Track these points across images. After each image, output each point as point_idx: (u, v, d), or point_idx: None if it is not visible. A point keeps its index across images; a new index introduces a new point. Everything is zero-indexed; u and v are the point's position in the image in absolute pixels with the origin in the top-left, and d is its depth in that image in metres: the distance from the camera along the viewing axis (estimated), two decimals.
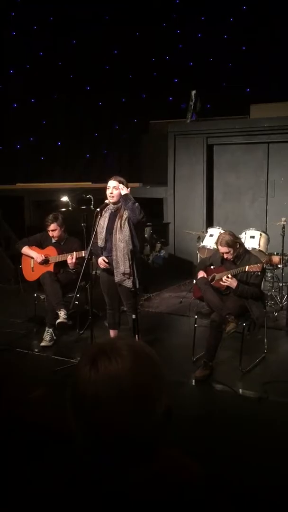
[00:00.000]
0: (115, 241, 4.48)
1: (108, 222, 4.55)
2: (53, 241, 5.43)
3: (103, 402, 0.92)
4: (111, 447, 0.94)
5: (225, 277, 4.43)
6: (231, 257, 4.55)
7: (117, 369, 0.94)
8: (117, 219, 4.50)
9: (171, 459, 1.00)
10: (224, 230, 5.11)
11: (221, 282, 4.48)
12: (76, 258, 5.05)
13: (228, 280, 4.41)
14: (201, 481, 0.99)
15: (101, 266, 4.63)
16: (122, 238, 4.45)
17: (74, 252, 5.05)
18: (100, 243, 4.60)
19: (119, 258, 4.46)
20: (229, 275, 4.42)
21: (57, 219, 5.34)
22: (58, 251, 5.30)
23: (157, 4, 10.57)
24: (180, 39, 10.93)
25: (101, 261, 4.60)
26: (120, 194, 4.49)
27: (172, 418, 0.98)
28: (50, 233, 5.36)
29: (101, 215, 4.53)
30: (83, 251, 5.00)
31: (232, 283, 4.41)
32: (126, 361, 0.95)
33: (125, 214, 4.47)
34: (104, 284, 4.72)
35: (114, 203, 4.52)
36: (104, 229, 4.56)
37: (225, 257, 4.58)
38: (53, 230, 5.32)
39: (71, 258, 5.05)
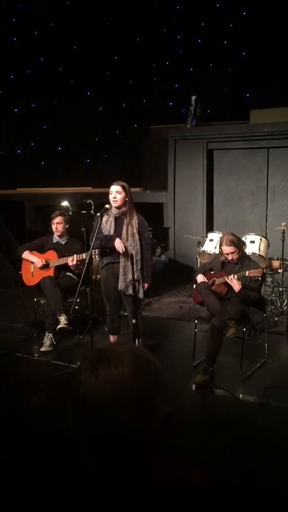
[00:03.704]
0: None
1: (115, 228, 4.51)
2: (54, 240, 5.44)
3: (104, 407, 0.92)
4: (112, 453, 0.94)
5: (231, 276, 4.40)
6: (236, 257, 4.52)
7: (118, 374, 0.94)
8: (125, 225, 4.47)
9: (172, 467, 1.00)
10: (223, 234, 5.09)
11: (226, 279, 4.44)
12: (77, 260, 5.05)
13: (233, 280, 4.38)
14: (202, 489, 0.99)
15: (118, 247, 4.39)
16: (133, 245, 4.43)
17: (75, 255, 5.06)
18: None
19: (128, 266, 4.40)
20: (235, 276, 4.38)
21: (64, 214, 5.48)
22: (58, 254, 5.31)
23: (158, 10, 10.63)
24: (180, 44, 10.98)
25: (119, 242, 4.39)
26: (124, 198, 4.49)
27: (173, 425, 0.97)
28: (54, 226, 5.40)
29: (101, 220, 4.52)
30: (83, 254, 5.00)
31: (236, 284, 4.38)
32: (126, 366, 0.95)
33: (135, 222, 4.47)
34: (107, 289, 4.68)
35: (117, 208, 4.51)
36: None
37: (229, 258, 4.53)
38: (59, 222, 5.40)
39: (71, 260, 5.05)
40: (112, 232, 4.51)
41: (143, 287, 4.55)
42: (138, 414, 0.93)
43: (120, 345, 1.02)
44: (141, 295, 4.53)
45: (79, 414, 0.95)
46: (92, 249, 4.38)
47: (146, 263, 4.58)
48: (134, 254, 4.30)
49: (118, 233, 4.49)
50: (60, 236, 5.45)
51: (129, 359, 0.96)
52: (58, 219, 5.40)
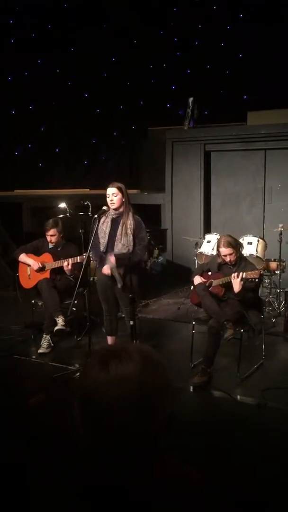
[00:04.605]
0: (118, 248, 4.46)
1: (110, 229, 4.53)
2: (50, 246, 5.43)
3: (111, 403, 0.93)
4: (114, 449, 0.95)
5: (235, 274, 4.37)
6: (234, 259, 4.52)
7: (128, 371, 0.95)
8: (120, 226, 4.48)
9: (171, 466, 1.00)
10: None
11: (232, 278, 4.38)
12: (72, 264, 5.05)
13: (235, 279, 4.32)
14: (201, 489, 0.99)
15: (104, 272, 4.51)
16: (127, 245, 4.44)
17: (70, 259, 5.05)
18: (102, 248, 4.59)
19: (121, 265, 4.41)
20: (239, 276, 4.34)
21: (58, 224, 5.36)
22: (54, 257, 5.30)
23: (155, 12, 10.65)
24: (177, 46, 10.99)
25: (106, 268, 4.49)
26: (121, 199, 4.49)
27: (173, 426, 0.98)
28: (49, 238, 5.36)
29: (99, 222, 4.53)
30: (78, 257, 5.00)
31: (237, 284, 4.34)
32: (137, 364, 0.96)
33: (129, 223, 4.47)
34: (102, 290, 4.70)
35: (115, 209, 4.52)
36: (107, 235, 4.54)
37: (227, 259, 4.52)
38: (52, 235, 5.32)
39: (67, 265, 5.05)
40: (107, 233, 4.51)
41: (110, 259, 4.41)
42: (143, 413, 0.94)
43: (130, 344, 1.03)
44: (119, 283, 4.41)
45: (86, 409, 0.96)
46: (89, 252, 4.39)
47: (133, 253, 4.47)
48: (128, 255, 4.32)
49: (112, 234, 4.50)
50: (55, 245, 5.42)
51: (139, 358, 0.97)
52: (51, 232, 5.30)
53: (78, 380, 1.00)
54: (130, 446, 0.94)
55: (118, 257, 4.39)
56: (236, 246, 4.53)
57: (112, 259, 4.41)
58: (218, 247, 4.61)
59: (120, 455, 0.95)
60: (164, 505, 0.93)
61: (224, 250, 4.48)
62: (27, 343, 5.40)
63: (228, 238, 4.51)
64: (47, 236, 5.36)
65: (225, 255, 4.50)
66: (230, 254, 4.48)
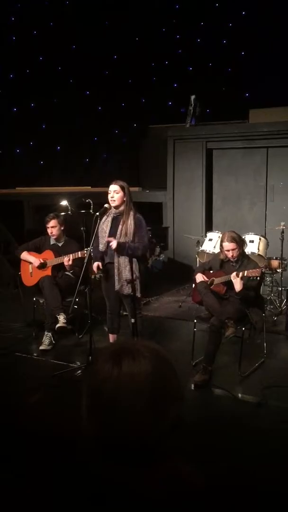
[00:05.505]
0: None
1: (110, 227, 4.51)
2: (51, 242, 5.43)
3: (121, 399, 0.93)
4: (118, 447, 0.94)
5: (234, 274, 4.37)
6: (237, 254, 4.50)
7: (140, 369, 0.95)
8: (120, 225, 4.45)
9: (172, 467, 1.00)
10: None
11: (232, 278, 4.39)
12: (73, 260, 5.05)
13: (236, 278, 4.32)
14: (201, 490, 0.99)
15: (94, 270, 4.57)
16: None
17: (71, 254, 5.05)
18: (102, 247, 4.57)
19: (122, 265, 4.39)
20: (240, 274, 4.34)
21: (58, 216, 5.39)
22: (55, 254, 5.30)
23: (157, 10, 10.63)
24: (179, 44, 10.98)
25: (96, 266, 4.54)
26: (122, 197, 4.47)
27: (179, 428, 0.98)
28: (49, 230, 5.35)
29: (100, 220, 4.51)
30: (79, 252, 4.99)
31: (238, 283, 4.34)
32: (149, 364, 0.96)
33: (130, 223, 4.45)
34: (106, 287, 4.68)
35: (115, 207, 4.50)
36: (107, 234, 4.51)
37: (230, 254, 4.49)
38: (53, 226, 5.32)
39: (67, 260, 5.04)
40: (107, 232, 4.50)
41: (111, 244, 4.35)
42: (151, 412, 0.94)
43: (144, 342, 1.03)
44: (138, 293, 4.49)
45: (94, 403, 0.96)
46: (91, 250, 4.38)
47: (132, 243, 4.39)
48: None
49: (113, 233, 4.48)
50: (57, 240, 5.43)
51: (152, 357, 0.97)
52: (52, 223, 5.30)
53: (88, 373, 1.00)
54: (133, 444, 0.94)
55: (119, 244, 4.33)
56: (240, 242, 4.51)
57: (113, 243, 4.33)
58: (221, 241, 4.58)
59: (122, 453, 0.94)
60: (164, 506, 0.93)
61: (228, 245, 4.46)
62: (28, 341, 5.41)
63: (232, 234, 4.49)
64: (48, 229, 5.35)
65: (228, 250, 4.48)
66: (233, 249, 4.46)
